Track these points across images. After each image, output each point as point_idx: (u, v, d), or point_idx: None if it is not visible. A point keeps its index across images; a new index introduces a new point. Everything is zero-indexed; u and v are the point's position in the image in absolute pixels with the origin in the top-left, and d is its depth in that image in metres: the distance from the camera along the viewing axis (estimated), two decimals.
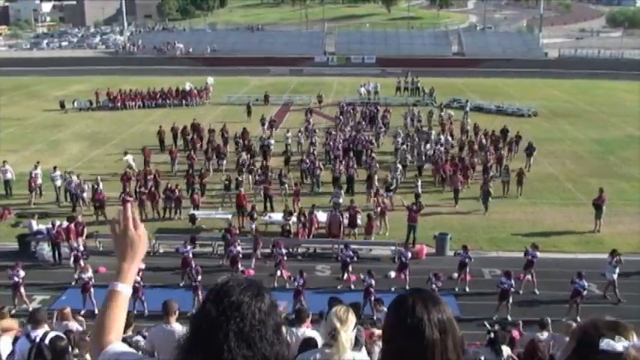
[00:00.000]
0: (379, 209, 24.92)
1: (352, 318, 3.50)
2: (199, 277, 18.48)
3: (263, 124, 39.44)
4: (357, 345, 4.28)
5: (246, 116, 44.28)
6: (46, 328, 8.51)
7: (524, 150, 33.21)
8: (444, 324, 2.10)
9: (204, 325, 1.97)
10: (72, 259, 21.51)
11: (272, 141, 35.35)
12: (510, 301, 18.15)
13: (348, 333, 3.36)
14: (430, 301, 2.14)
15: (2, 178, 29.14)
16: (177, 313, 9.38)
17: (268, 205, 26.99)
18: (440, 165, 30.28)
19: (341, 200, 26.16)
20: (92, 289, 18.40)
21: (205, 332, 1.96)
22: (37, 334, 6.86)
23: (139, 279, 18.24)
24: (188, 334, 2.05)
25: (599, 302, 19.26)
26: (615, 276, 19.40)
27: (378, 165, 30.16)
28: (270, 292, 2.10)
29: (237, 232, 23.49)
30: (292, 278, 19.23)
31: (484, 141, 34.76)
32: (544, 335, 13.93)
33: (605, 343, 1.96)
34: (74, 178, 27.77)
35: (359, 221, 24.21)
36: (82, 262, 20.12)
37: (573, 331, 2.16)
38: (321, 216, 24.65)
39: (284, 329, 2.06)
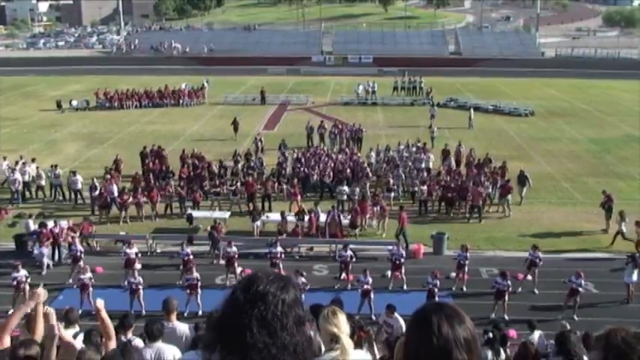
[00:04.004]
0: (378, 209, 24.95)
1: (341, 316, 3.48)
2: (197, 276, 18.40)
3: (237, 162, 30.92)
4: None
5: (233, 133, 39.54)
6: (77, 328, 8.49)
7: (516, 178, 28.24)
8: (469, 343, 2.03)
9: (230, 310, 2.12)
10: (53, 260, 21.77)
11: (264, 164, 30.58)
12: (507, 300, 18.16)
13: (346, 333, 3.35)
14: (455, 319, 2.06)
15: (20, 180, 28.41)
16: (178, 310, 9.39)
17: (266, 205, 26.95)
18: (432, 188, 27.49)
19: (345, 197, 26.60)
20: (90, 289, 18.37)
21: (231, 317, 2.11)
22: (69, 333, 6.84)
23: (138, 279, 18.26)
24: (215, 317, 2.20)
25: (599, 302, 19.24)
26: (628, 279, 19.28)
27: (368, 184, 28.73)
28: (297, 287, 2.25)
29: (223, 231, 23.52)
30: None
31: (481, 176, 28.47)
32: (535, 336, 13.94)
33: None
34: (79, 177, 27.97)
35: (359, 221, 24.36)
36: (81, 263, 20.11)
37: (601, 337, 2.20)
38: (322, 216, 24.73)
39: (308, 324, 2.19)
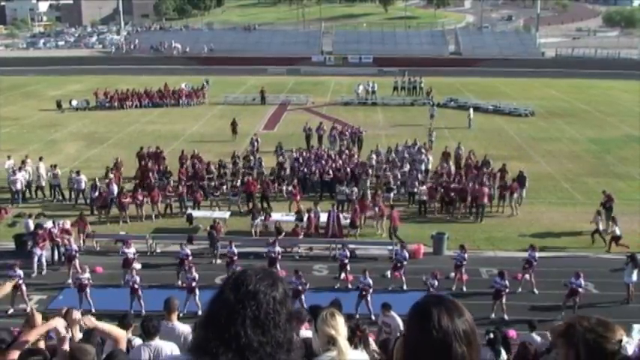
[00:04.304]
0: (377, 209, 24.96)
1: (339, 318, 3.49)
2: (195, 276, 18.41)
3: (235, 163, 30.62)
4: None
5: (231, 134, 39.14)
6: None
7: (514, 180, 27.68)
8: (469, 336, 2.05)
9: (222, 310, 2.07)
10: (53, 260, 21.83)
11: (262, 164, 30.89)
12: (504, 300, 18.15)
13: (343, 335, 3.35)
14: (455, 312, 2.08)
15: (22, 180, 28.30)
16: (178, 310, 9.39)
17: (266, 206, 26.95)
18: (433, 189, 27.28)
19: (344, 197, 26.59)
20: (88, 289, 18.37)
21: (223, 317, 2.06)
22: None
23: (137, 279, 18.26)
24: (204, 317, 2.14)
25: (599, 302, 19.25)
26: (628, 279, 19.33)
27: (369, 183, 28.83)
28: (285, 281, 2.22)
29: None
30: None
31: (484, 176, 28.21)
32: (535, 336, 13.94)
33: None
34: (82, 176, 28.00)
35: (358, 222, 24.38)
36: (77, 262, 20.12)
37: (561, 332, 2.10)
38: (322, 216, 24.79)
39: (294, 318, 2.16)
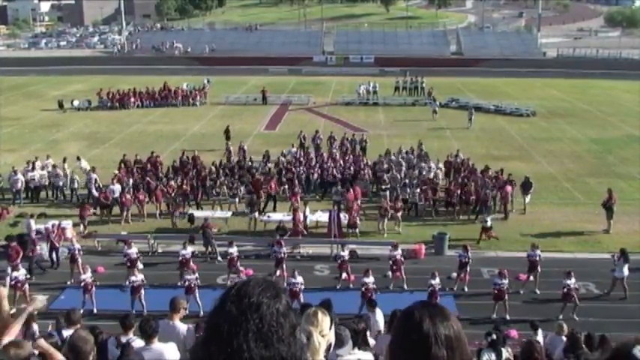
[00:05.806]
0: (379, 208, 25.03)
1: (323, 317, 3.51)
2: (196, 276, 18.42)
3: (232, 169, 30.21)
4: (341, 343, 4.30)
5: (225, 140, 36.84)
6: (78, 328, 8.55)
7: (520, 186, 27.48)
8: (451, 341, 2.06)
9: (223, 323, 1.98)
10: (52, 263, 21.81)
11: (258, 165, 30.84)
12: (507, 299, 18.16)
13: (322, 333, 3.37)
14: (438, 317, 2.09)
15: (23, 180, 28.35)
16: (182, 311, 9.37)
17: (271, 205, 27.02)
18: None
19: (341, 198, 26.46)
20: (94, 289, 18.38)
21: (224, 331, 1.97)
22: (70, 333, 6.89)
23: (141, 277, 18.22)
24: (205, 331, 2.05)
25: (599, 302, 19.26)
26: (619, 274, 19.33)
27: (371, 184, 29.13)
28: (287, 292, 2.11)
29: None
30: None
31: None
32: (539, 337, 13.96)
33: (638, 350, 1.98)
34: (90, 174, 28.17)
35: (357, 221, 24.39)
36: (79, 262, 20.14)
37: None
38: (322, 215, 24.87)
39: (298, 331, 2.07)
